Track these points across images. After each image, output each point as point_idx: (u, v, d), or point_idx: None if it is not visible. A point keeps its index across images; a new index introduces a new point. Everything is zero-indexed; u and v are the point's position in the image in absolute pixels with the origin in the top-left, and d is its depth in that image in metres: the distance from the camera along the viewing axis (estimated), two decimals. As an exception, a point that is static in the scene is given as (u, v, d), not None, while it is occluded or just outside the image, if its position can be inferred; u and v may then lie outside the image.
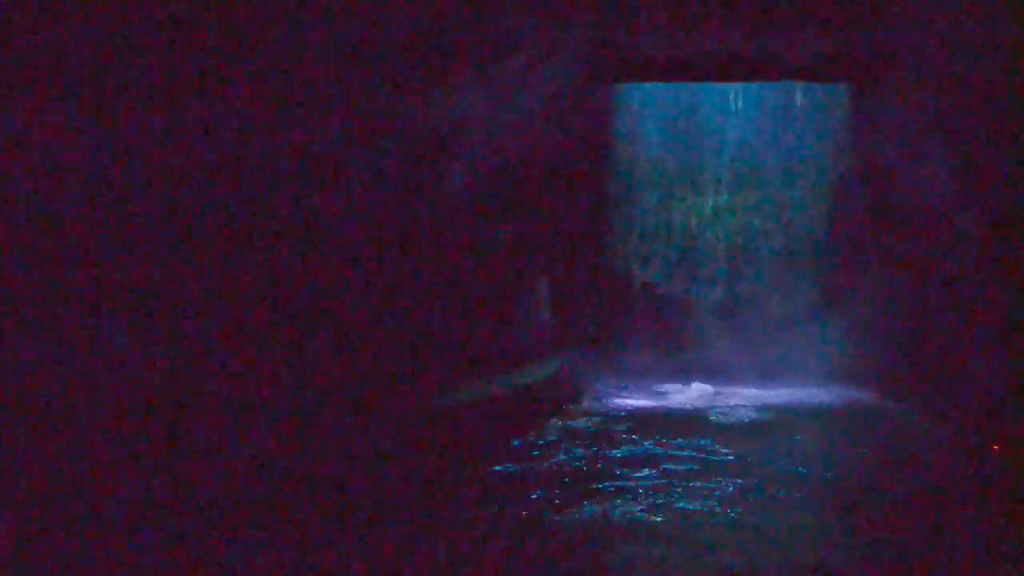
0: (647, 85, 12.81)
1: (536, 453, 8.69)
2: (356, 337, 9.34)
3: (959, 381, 10.92)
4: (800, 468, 8.20)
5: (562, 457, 8.61)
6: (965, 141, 11.06)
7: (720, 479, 7.79)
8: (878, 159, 12.61)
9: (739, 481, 7.73)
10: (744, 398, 11.61)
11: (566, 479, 7.84)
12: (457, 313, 11.36)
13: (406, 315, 10.63)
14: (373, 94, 10.68)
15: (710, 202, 12.81)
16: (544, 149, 12.60)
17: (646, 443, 9.12)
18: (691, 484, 7.66)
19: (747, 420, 10.35)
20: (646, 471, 8.06)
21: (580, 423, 10.25)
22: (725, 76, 12.12)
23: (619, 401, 11.50)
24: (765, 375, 12.17)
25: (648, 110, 12.74)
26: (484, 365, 10.70)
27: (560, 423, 9.94)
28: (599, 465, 8.30)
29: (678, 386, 12.11)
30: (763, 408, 10.99)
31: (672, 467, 8.19)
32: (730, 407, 11.02)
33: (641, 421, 10.20)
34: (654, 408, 11.12)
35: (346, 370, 8.88)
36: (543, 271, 12.47)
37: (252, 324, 8.46)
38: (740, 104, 12.63)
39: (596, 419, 10.34)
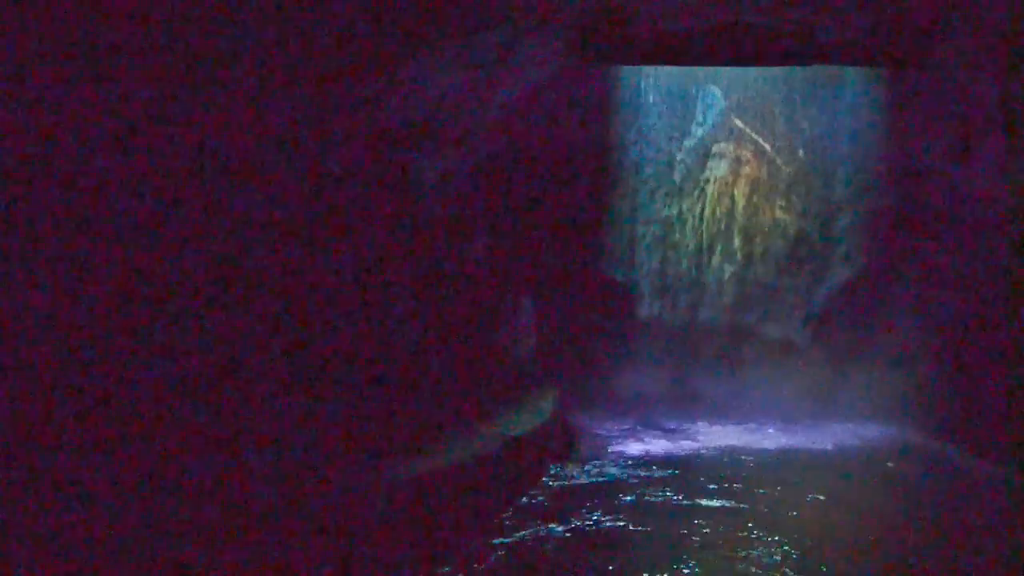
0: (653, 69, 10.84)
1: (524, 535, 6.74)
2: (296, 386, 7.33)
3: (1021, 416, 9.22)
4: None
5: (558, 531, 6.71)
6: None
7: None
8: (917, 159, 10.84)
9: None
10: (769, 441, 9.76)
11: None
12: (427, 346, 9.35)
13: (362, 351, 8.61)
14: (322, 78, 8.64)
15: (723, 208, 10.95)
16: (530, 145, 10.64)
17: (656, 511, 7.24)
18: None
19: (780, 474, 8.48)
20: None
21: (578, 478, 8.38)
22: (744, 57, 10.24)
23: (621, 446, 9.61)
24: (789, 411, 10.36)
25: (654, 98, 10.83)
26: (462, 409, 8.71)
27: (552, 486, 8.04)
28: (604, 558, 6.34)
29: (688, 425, 10.25)
30: (794, 455, 9.18)
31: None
32: (755, 455, 9.16)
33: (648, 475, 8.37)
34: (662, 456, 9.22)
35: (283, 433, 6.86)
36: (528, 290, 10.50)
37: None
38: (760, 93, 10.76)
39: (596, 473, 8.50)
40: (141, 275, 6.54)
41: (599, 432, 9.98)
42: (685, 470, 8.57)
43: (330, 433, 7.20)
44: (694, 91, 11.06)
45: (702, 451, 9.41)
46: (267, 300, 7.57)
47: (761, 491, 7.80)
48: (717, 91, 10.99)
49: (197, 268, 6.92)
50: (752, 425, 10.17)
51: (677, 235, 11.12)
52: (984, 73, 10.04)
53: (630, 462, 8.97)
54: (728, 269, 11.00)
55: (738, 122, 10.99)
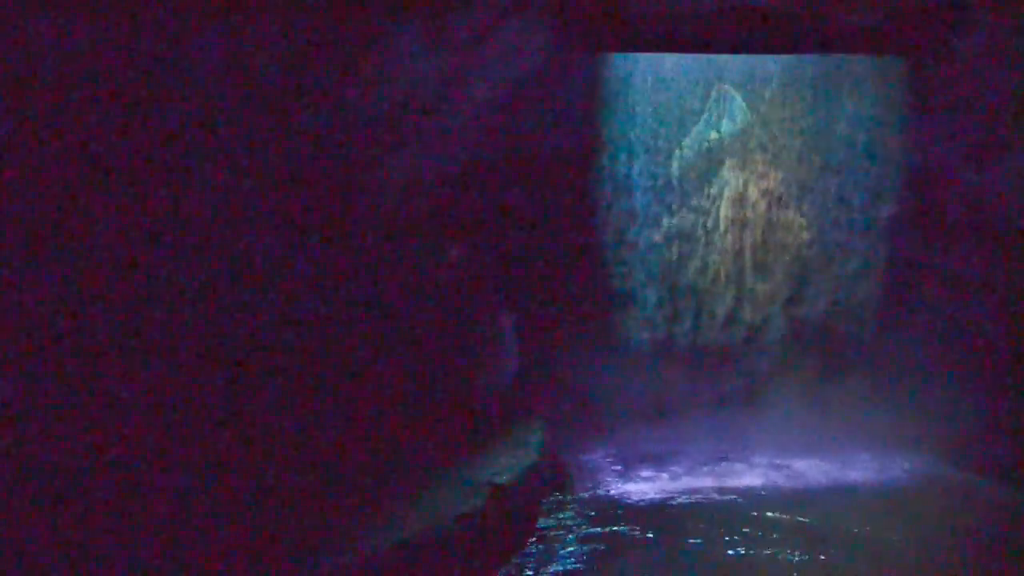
0: (647, 57, 9.60)
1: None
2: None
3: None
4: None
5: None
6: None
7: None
8: (935, 158, 9.77)
9: None
10: (791, 479, 8.57)
11: None
12: (394, 374, 8.03)
13: (314, 383, 7.29)
14: (270, 65, 7.37)
15: (732, 219, 9.75)
16: (510, 142, 9.38)
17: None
18: None
19: (817, 524, 7.29)
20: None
21: (576, 529, 7.11)
22: (753, 43, 9.12)
23: (621, 487, 8.39)
24: (805, 443, 9.17)
25: (649, 90, 9.61)
26: (439, 448, 7.40)
27: (547, 540, 6.78)
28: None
29: (694, 461, 9.01)
30: (823, 496, 8.03)
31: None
32: (781, 498, 7.97)
33: (655, 525, 7.15)
34: (668, 501, 8.00)
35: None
36: (508, 306, 9.21)
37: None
38: (765, 86, 9.61)
39: (595, 521, 7.23)
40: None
41: (596, 467, 8.74)
42: (701, 515, 7.36)
43: (280, 492, 5.86)
44: (703, 89, 9.79)
45: (719, 492, 8.22)
46: (189, 321, 6.22)
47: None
48: (735, 94, 9.77)
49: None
50: (767, 460, 8.98)
51: (679, 248, 9.88)
52: (1013, 66, 9.05)
53: (630, 508, 7.73)
54: (737, 284, 9.82)
55: (755, 127, 9.78)
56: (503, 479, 6.74)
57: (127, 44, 6.15)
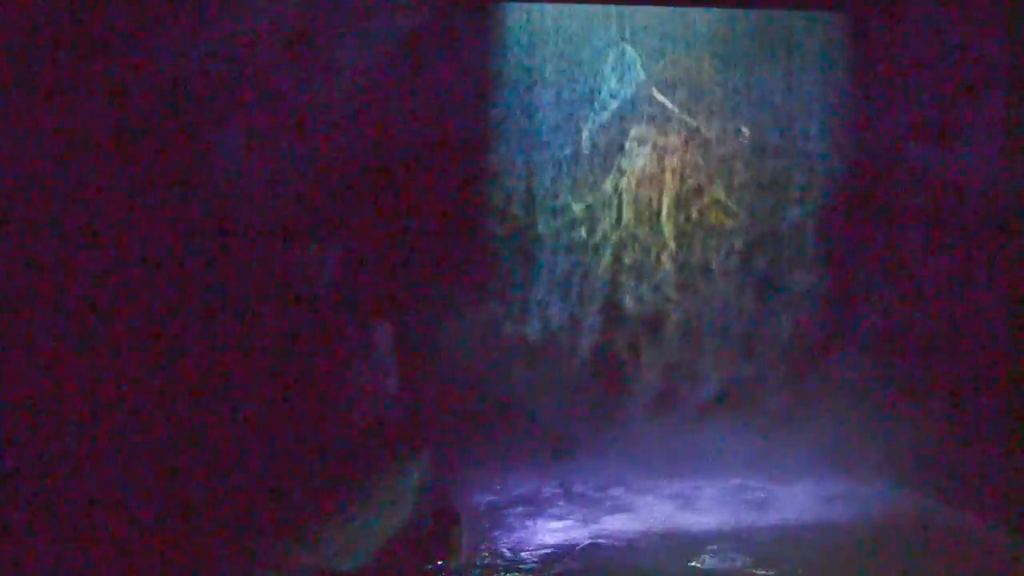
0: (551, 29, 8.12)
1: None
2: None
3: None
4: None
5: None
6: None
7: None
8: (884, 134, 8.45)
9: None
10: (728, 520, 7.09)
11: None
12: (239, 400, 6.32)
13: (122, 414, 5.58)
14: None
15: (645, 204, 8.29)
16: (385, 121, 7.71)
17: None
18: None
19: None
20: None
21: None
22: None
23: (522, 532, 6.83)
24: (748, 467, 7.78)
25: (555, 52, 8.05)
26: (271, 512, 5.69)
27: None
28: None
29: (614, 495, 7.53)
30: (769, 545, 6.55)
31: None
32: (713, 547, 6.50)
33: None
34: (583, 550, 6.47)
35: None
36: (385, 315, 7.56)
37: None
38: (691, 55, 8.15)
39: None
40: None
41: (498, 512, 7.19)
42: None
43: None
44: (604, 49, 8.30)
45: (654, 536, 6.72)
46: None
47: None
48: (633, 53, 8.29)
49: None
50: (697, 490, 7.55)
51: (586, 239, 8.37)
52: (975, 22, 7.78)
53: (534, 563, 6.18)
54: (655, 282, 8.34)
55: (660, 97, 8.34)
56: (346, 566, 5.00)
57: None
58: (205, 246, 6.58)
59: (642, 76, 8.36)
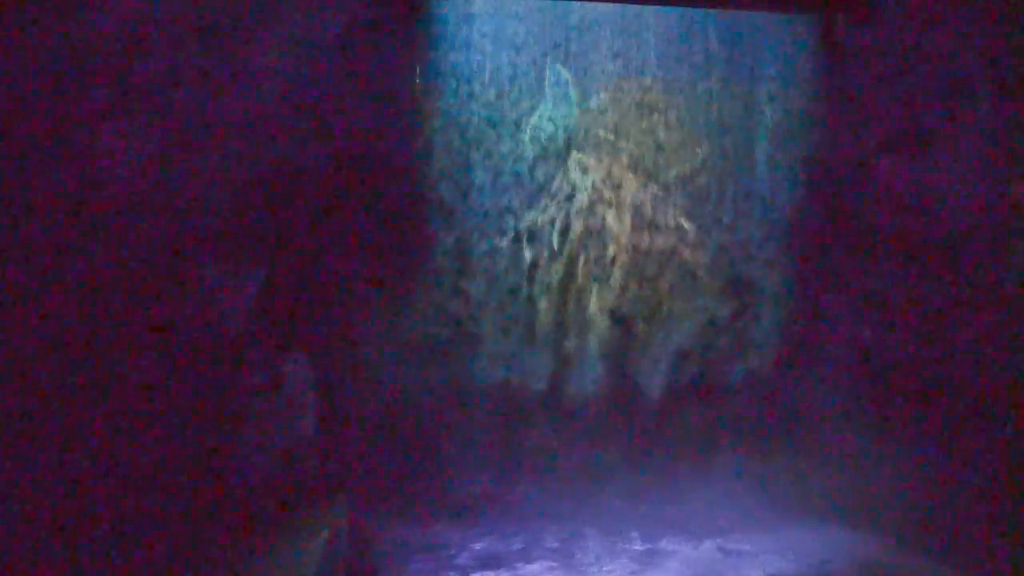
0: (489, 38, 7.38)
1: None
2: None
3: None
4: None
5: None
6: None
7: None
8: (851, 148, 7.81)
9: None
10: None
11: None
12: (126, 445, 5.38)
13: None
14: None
15: (591, 227, 7.53)
16: (311, 131, 6.86)
17: None
18: None
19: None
20: None
21: None
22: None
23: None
24: (700, 516, 6.97)
25: (494, 49, 7.29)
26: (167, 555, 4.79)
27: None
28: None
29: (559, 551, 6.64)
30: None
31: None
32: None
33: None
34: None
35: None
36: (303, 344, 6.68)
37: None
38: (647, 47, 7.43)
39: None
40: None
41: (426, 565, 6.27)
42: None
43: None
44: (540, 67, 7.58)
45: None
46: None
47: None
48: (565, 74, 7.57)
49: None
50: (658, 546, 6.70)
51: (528, 264, 7.58)
52: (949, 29, 7.18)
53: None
54: (602, 312, 7.56)
55: (601, 132, 7.60)
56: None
57: None
58: (81, 264, 5.67)
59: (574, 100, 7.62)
